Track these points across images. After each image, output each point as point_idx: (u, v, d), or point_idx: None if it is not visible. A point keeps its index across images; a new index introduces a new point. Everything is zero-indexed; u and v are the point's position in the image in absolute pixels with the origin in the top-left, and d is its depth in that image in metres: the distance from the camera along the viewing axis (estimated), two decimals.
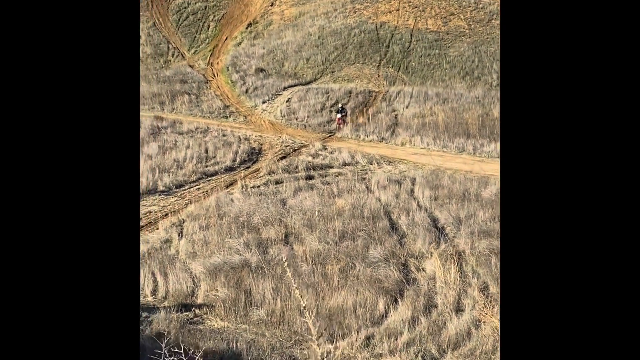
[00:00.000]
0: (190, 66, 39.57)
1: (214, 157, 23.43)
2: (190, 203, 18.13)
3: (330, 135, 28.23)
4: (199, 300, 12.48)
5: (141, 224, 16.60)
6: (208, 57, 41.24)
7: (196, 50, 42.52)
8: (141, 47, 41.41)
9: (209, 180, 21.08)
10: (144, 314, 11.65)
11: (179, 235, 15.64)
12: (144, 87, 33.97)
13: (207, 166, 22.32)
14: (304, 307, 4.61)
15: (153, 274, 13.24)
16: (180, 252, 14.56)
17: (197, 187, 20.30)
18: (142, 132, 25.78)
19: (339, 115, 29.28)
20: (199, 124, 28.76)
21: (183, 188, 20.06)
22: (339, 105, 30.17)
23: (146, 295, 12.69)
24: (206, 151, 23.94)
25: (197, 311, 12.11)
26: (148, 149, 23.44)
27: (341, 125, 29.11)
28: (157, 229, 16.14)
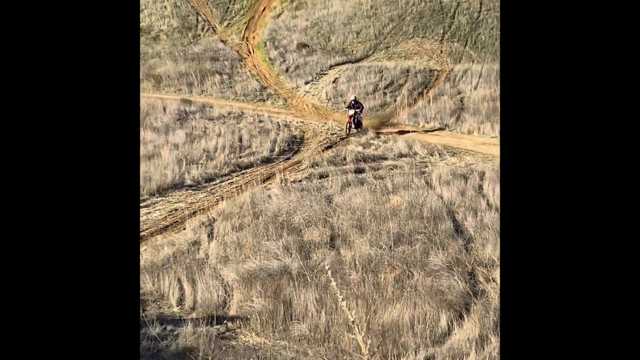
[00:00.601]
0: (222, 41, 39.89)
1: (249, 146, 23.59)
2: (222, 199, 18.30)
3: (384, 122, 28.09)
4: (232, 312, 12.58)
5: (166, 223, 16.85)
6: (243, 31, 41.50)
7: (229, 23, 42.82)
8: (167, 19, 41.91)
9: (243, 173, 21.24)
10: (169, 327, 11.81)
11: (208, 236, 15.80)
12: (169, 66, 34.40)
13: (241, 157, 22.49)
14: (352, 322, 4.61)
15: (179, 280, 13.41)
16: (210, 256, 14.71)
17: (230, 181, 20.47)
18: (168, 118, 26.14)
19: (351, 112, 26.20)
20: (232, 109, 28.99)
21: (213, 182, 20.26)
22: (352, 98, 26.94)
23: (171, 305, 12.86)
24: (240, 140, 24.12)
25: (229, 324, 12.22)
26: (174, 137, 23.74)
27: (353, 125, 26.24)
28: (184, 229, 16.34)
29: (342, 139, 25.66)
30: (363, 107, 26.85)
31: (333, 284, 5.01)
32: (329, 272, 4.87)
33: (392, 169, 21.37)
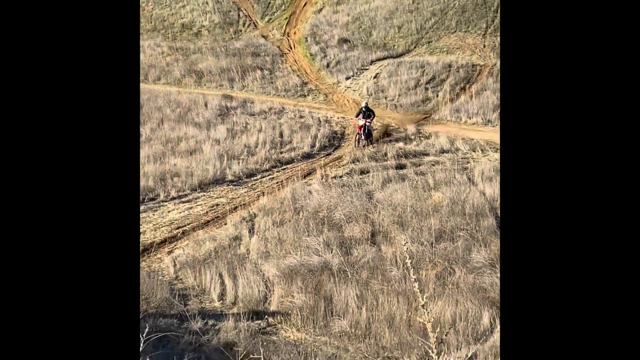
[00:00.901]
0: (263, 37, 40.03)
1: (290, 142, 23.66)
2: (263, 195, 18.40)
3: (425, 117, 27.95)
4: (273, 307, 12.66)
5: (207, 218, 17.00)
6: (284, 26, 41.59)
7: (270, 19, 42.96)
8: (209, 15, 42.20)
9: (284, 168, 21.31)
10: (210, 322, 11.93)
11: (249, 232, 15.91)
12: (211, 61, 34.63)
13: (281, 153, 22.57)
14: (422, 305, 4.58)
15: (221, 275, 13.53)
16: (251, 252, 14.81)
17: (271, 176, 20.56)
18: (209, 113, 26.34)
19: (361, 122, 23.46)
20: (273, 104, 29.09)
21: (254, 178, 20.37)
22: (363, 105, 24.25)
23: (213, 300, 12.99)
24: (281, 135, 24.20)
25: (270, 320, 12.30)
26: (215, 132, 23.91)
27: (363, 136, 23.51)
28: (225, 224, 16.48)
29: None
30: (375, 115, 24.21)
31: (408, 261, 4.99)
32: (406, 246, 4.85)
33: (433, 165, 21.26)
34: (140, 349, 4.86)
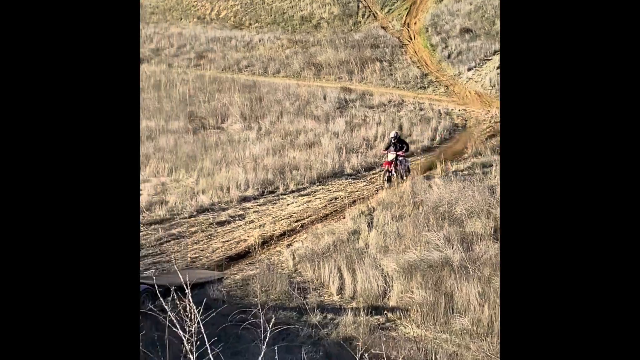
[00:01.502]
0: (383, 28, 39.97)
1: (410, 135, 23.58)
2: (382, 189, 18.42)
3: None
4: (392, 303, 12.67)
5: (326, 212, 17.19)
6: (404, 17, 41.36)
7: (390, 9, 42.83)
8: (328, 7, 42.57)
9: None
10: (329, 316, 12.08)
11: (368, 226, 15.98)
12: (330, 54, 34.90)
13: None
14: None
15: (339, 269, 13.66)
16: (370, 246, 14.87)
17: None
18: (328, 106, 26.60)
19: (390, 156, 19.17)
20: (392, 96, 29.05)
21: (373, 171, 20.43)
22: (392, 135, 19.76)
23: (331, 294, 13.14)
24: (400, 128, 24.14)
25: (389, 315, 12.33)
26: (334, 125, 24.13)
27: (394, 173, 19.06)
28: (344, 218, 16.62)
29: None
30: (408, 147, 20.03)
31: None
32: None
33: None
34: (266, 340, 4.98)
